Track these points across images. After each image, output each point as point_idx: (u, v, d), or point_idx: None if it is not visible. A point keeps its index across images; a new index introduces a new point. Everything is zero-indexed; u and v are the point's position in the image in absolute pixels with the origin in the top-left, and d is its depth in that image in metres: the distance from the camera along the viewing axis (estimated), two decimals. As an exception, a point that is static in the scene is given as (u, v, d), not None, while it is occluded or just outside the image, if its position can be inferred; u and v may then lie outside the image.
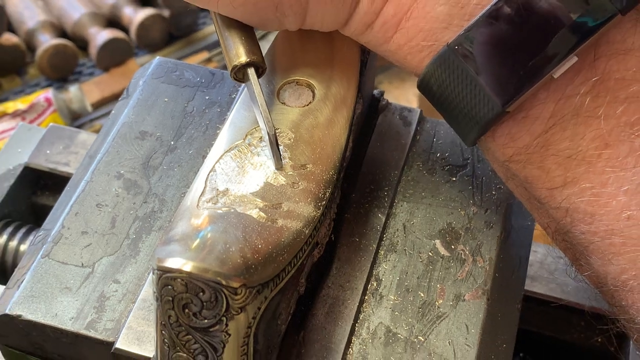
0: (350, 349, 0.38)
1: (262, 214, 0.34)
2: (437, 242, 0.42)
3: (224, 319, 0.31)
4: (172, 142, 0.46)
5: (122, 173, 0.44)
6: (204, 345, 0.32)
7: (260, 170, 0.36)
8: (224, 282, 0.30)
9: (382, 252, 0.42)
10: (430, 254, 0.41)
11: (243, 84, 0.40)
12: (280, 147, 0.37)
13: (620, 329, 0.37)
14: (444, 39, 0.35)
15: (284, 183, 0.36)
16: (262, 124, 0.37)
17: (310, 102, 0.40)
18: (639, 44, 0.33)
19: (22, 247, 0.53)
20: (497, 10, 0.33)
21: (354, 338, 0.38)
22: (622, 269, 0.34)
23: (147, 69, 0.51)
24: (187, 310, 0.31)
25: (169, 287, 0.30)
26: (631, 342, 0.50)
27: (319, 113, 0.39)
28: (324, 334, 0.38)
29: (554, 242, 0.39)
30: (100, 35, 1.14)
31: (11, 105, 1.04)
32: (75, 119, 1.09)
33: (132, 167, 0.45)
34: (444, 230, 0.42)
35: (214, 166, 0.37)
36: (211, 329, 0.31)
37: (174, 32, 1.22)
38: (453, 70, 0.35)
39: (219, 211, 0.34)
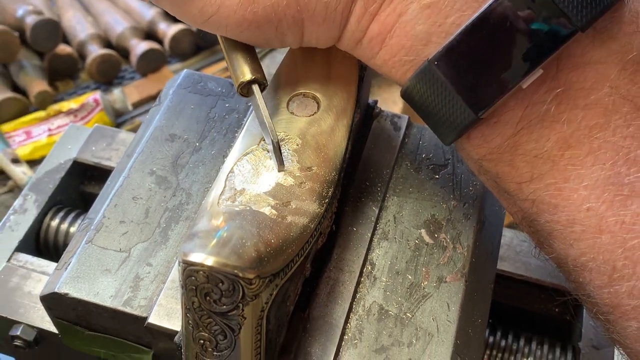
0: (348, 324, 0.36)
1: (274, 211, 0.32)
2: (423, 231, 0.40)
3: (241, 305, 0.29)
4: (197, 144, 0.44)
5: (154, 170, 0.42)
6: (223, 327, 0.30)
7: (272, 172, 0.35)
8: (240, 274, 0.28)
9: (376, 240, 0.40)
10: (416, 241, 0.40)
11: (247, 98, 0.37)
12: (289, 152, 0.35)
13: (576, 302, 0.36)
14: (424, 54, 0.33)
15: (292, 183, 0.34)
16: (266, 134, 0.35)
17: (315, 112, 0.38)
18: (596, 58, 0.31)
19: (72, 229, 0.52)
20: (471, 29, 0.31)
21: (351, 315, 0.37)
22: (582, 253, 0.32)
23: (176, 80, 0.48)
24: (208, 298, 0.29)
25: (193, 278, 0.28)
26: (584, 310, 0.48)
27: (323, 122, 0.37)
28: (326, 311, 0.37)
29: (521, 228, 0.37)
30: (139, 46, 1.12)
31: (65, 105, 1.03)
32: (119, 116, 1.07)
33: (163, 165, 0.43)
34: (429, 221, 0.41)
35: (232, 168, 0.35)
36: (229, 314, 0.29)
37: (200, 44, 1.20)
38: (432, 83, 0.33)
39: (236, 209, 0.32)
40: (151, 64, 1.13)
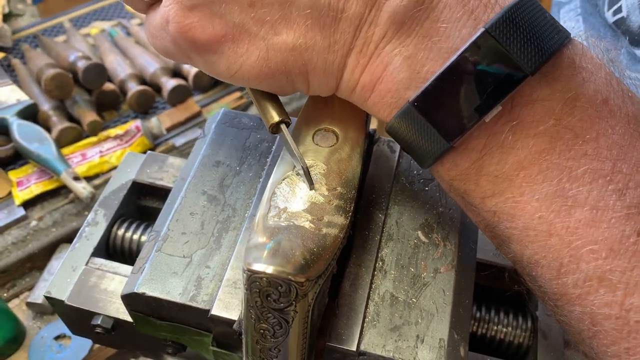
0: (367, 309, 0.36)
1: (312, 225, 0.32)
2: (419, 232, 0.40)
3: (294, 302, 0.29)
4: (238, 168, 0.44)
5: (205, 191, 0.42)
6: (279, 319, 0.30)
7: (305, 193, 0.34)
8: (293, 279, 0.28)
9: (384, 241, 0.40)
10: (415, 241, 0.40)
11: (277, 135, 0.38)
12: (318, 175, 0.35)
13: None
14: (406, 96, 0.32)
15: (323, 201, 0.34)
16: (296, 161, 0.35)
17: (335, 143, 0.37)
18: (543, 96, 0.30)
19: (135, 236, 0.51)
20: (442, 76, 0.30)
21: (369, 302, 0.37)
22: (535, 252, 0.32)
23: (216, 117, 0.48)
24: (269, 298, 0.29)
25: (257, 283, 0.28)
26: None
27: (341, 151, 0.37)
28: (349, 300, 0.37)
29: (484, 232, 0.36)
30: (169, 83, 1.11)
31: (113, 132, 1.01)
32: (156, 139, 1.05)
33: (212, 186, 0.42)
34: (423, 224, 0.41)
35: (274, 190, 0.35)
36: (285, 309, 0.29)
37: (217, 79, 1.19)
38: (413, 119, 0.32)
39: (283, 224, 0.32)
40: (179, 96, 1.12)
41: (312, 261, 0.29)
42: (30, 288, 0.86)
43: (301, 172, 0.35)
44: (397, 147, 0.46)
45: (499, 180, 0.32)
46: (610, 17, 0.48)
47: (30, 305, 0.82)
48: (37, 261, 0.87)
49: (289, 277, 0.28)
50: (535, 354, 0.44)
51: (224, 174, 0.43)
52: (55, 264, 0.86)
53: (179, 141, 1.06)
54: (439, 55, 0.31)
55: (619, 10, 0.47)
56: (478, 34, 0.30)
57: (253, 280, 0.28)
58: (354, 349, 0.34)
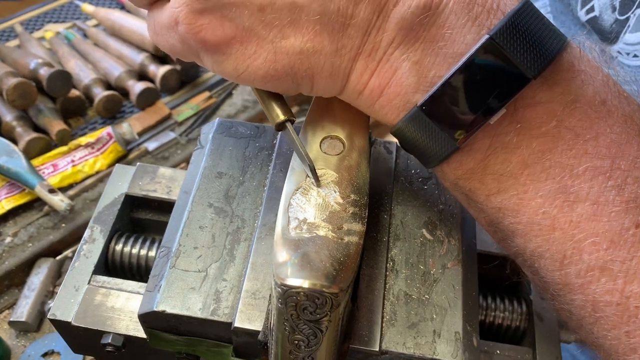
0: (385, 309, 0.37)
1: (334, 235, 0.33)
2: (424, 230, 0.41)
3: (329, 313, 0.29)
4: (241, 178, 0.44)
5: (212, 203, 0.42)
6: (315, 330, 0.30)
7: (322, 202, 0.35)
8: (328, 291, 0.29)
9: (392, 241, 0.41)
10: (421, 239, 0.41)
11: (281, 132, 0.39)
12: (332, 184, 0.36)
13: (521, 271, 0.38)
14: (414, 99, 0.33)
15: (339, 209, 0.35)
16: (302, 158, 0.36)
17: (342, 151, 0.38)
18: (545, 99, 0.31)
19: (134, 251, 0.50)
20: (450, 81, 0.31)
21: (385, 302, 0.38)
22: (539, 245, 0.33)
23: (212, 127, 0.48)
24: (305, 310, 0.29)
25: (293, 297, 0.29)
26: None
27: (350, 158, 0.38)
28: (367, 301, 0.37)
29: (485, 229, 0.37)
30: (136, 86, 1.07)
31: (84, 140, 0.97)
32: (128, 144, 1.03)
33: (218, 198, 0.42)
34: (427, 222, 0.42)
35: (289, 201, 0.35)
36: (320, 320, 0.30)
37: (184, 79, 1.16)
38: (421, 122, 0.33)
39: (306, 235, 0.32)
40: (148, 99, 1.09)
41: (341, 271, 0.30)
42: (10, 306, 0.83)
43: (306, 168, 0.35)
44: (394, 148, 0.47)
45: (503, 178, 0.33)
46: (583, 15, 0.50)
47: (12, 324, 0.79)
48: (15, 278, 0.84)
49: (324, 289, 0.28)
50: (532, 336, 0.47)
51: (228, 185, 0.43)
52: (35, 279, 0.83)
53: (152, 145, 1.03)
54: (445, 60, 0.32)
55: (592, 9, 0.49)
56: (482, 40, 0.30)
57: (289, 295, 0.29)
58: (376, 349, 0.35)
